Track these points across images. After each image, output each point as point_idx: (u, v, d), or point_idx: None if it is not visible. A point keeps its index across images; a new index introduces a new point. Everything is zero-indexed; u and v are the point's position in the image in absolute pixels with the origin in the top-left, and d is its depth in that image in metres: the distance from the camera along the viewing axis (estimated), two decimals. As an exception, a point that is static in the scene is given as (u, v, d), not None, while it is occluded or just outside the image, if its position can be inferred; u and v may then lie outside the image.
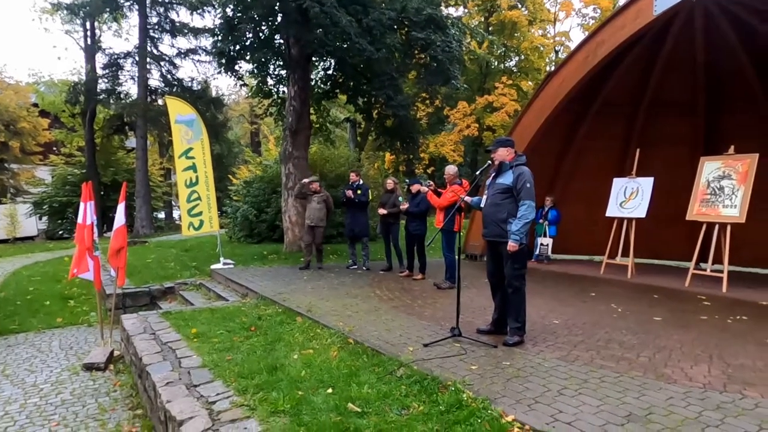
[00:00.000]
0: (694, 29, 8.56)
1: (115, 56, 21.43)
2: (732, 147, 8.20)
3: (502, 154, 4.47)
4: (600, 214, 11.48)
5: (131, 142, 26.17)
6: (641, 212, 8.98)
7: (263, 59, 10.53)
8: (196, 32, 22.08)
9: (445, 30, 9.43)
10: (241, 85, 11.94)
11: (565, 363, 3.87)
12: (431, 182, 7.45)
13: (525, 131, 10.13)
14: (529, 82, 26.44)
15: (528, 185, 4.26)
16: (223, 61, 9.75)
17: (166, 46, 24.82)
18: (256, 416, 3.06)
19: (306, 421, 2.94)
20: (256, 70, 12.23)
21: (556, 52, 26.79)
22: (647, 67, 9.62)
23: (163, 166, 33.48)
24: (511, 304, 4.41)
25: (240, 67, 10.78)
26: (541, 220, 10.70)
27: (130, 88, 22.96)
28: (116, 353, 5.77)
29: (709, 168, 8.47)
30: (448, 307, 5.88)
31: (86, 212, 5.69)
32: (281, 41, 10.92)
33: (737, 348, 4.41)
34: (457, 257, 4.67)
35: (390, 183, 8.83)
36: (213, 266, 9.15)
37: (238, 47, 9.60)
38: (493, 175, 4.57)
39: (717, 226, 8.04)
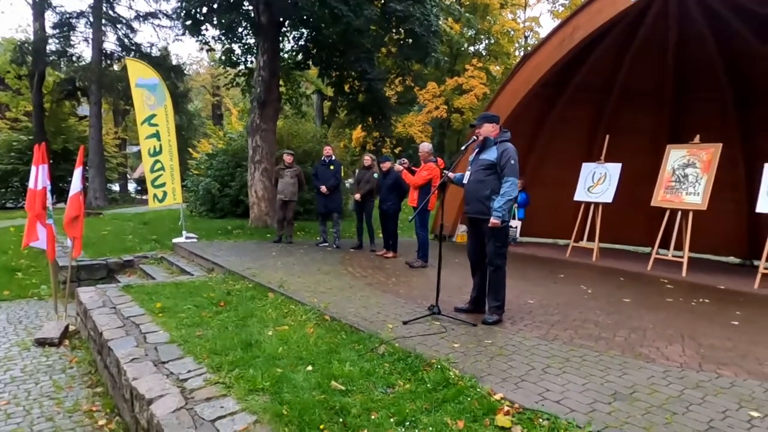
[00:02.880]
0: (668, 18, 8.67)
1: (67, 15, 20.00)
2: (697, 136, 8.42)
3: (487, 129, 4.36)
4: (565, 198, 11.67)
5: (83, 109, 24.79)
6: (608, 197, 9.15)
7: (231, 23, 10.01)
8: (157, -5, 20.91)
9: (423, 3, 9.21)
10: (207, 50, 11.37)
11: (546, 342, 3.86)
12: (405, 160, 7.31)
13: (498, 114, 10.09)
14: (497, 67, 26.56)
15: (512, 162, 4.18)
16: (189, 22, 9.20)
17: (124, 7, 23.40)
18: (233, 394, 2.89)
19: (287, 399, 2.79)
20: (222, 36, 11.67)
21: (526, 37, 26.94)
22: (619, 55, 9.71)
23: (118, 135, 31.95)
24: (491, 283, 4.35)
25: (206, 30, 10.23)
26: (509, 203, 10.76)
27: (83, 51, 21.76)
28: (71, 328, 5.42)
29: (675, 156, 8.68)
30: (423, 286, 5.82)
31: (38, 176, 5.24)
32: (251, 7, 10.43)
33: (705, 329, 4.53)
34: (438, 237, 4.56)
35: (368, 159, 8.64)
36: (175, 240, 8.76)
37: (205, 9, 9.07)
38: (477, 150, 4.47)
39: (679, 213, 8.28)
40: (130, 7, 21.70)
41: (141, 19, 21.19)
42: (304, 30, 10.60)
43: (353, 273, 6.40)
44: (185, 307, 4.69)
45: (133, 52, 20.39)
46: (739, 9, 7.93)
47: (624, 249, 11.16)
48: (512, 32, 24.93)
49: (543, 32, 28.08)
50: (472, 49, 26.27)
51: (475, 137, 4.40)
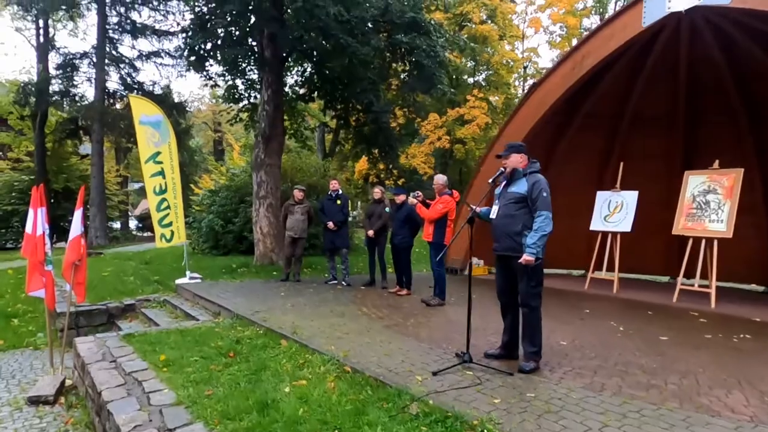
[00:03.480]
0: (679, 42, 8.55)
1: (71, 56, 20.19)
2: (717, 161, 8.17)
3: (515, 160, 4.09)
4: (578, 227, 11.36)
5: (85, 148, 24.76)
6: (626, 226, 8.84)
7: (236, 58, 9.92)
8: (160, 34, 21.11)
9: (429, 35, 9.12)
10: (211, 86, 11.25)
11: (594, 393, 3.48)
12: (419, 193, 7.02)
13: (508, 143, 9.90)
14: (496, 97, 26.66)
15: (545, 194, 3.89)
16: (193, 58, 9.09)
17: (126, 47, 23.55)
18: (251, 471, 2.51)
19: (315, 477, 2.41)
20: (226, 72, 11.59)
21: (525, 68, 27.15)
22: (630, 80, 9.56)
23: (119, 173, 31.91)
24: (525, 326, 4.00)
25: (210, 66, 10.13)
26: (523, 233, 10.45)
27: (85, 90, 21.76)
28: (68, 382, 5.03)
29: (694, 182, 8.41)
30: (444, 327, 5.45)
31: (36, 220, 4.95)
32: (254, 42, 10.36)
33: (760, 370, 4.15)
34: (468, 275, 4.22)
35: (378, 192, 8.38)
36: (178, 281, 8.41)
37: (209, 45, 8.97)
38: (504, 183, 4.18)
39: (703, 241, 7.95)
40: (133, 47, 21.84)
41: (144, 58, 21.37)
42: (308, 63, 10.50)
43: (368, 314, 6.03)
44: (192, 359, 4.32)
45: (135, 91, 20.46)
46: (746, 28, 7.80)
47: (640, 279, 10.78)
48: (512, 63, 25.11)
49: (542, 62, 28.41)
50: (471, 80, 26.45)
51: (502, 169, 4.12)
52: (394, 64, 9.58)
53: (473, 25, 23.41)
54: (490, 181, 4.16)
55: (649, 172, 9.93)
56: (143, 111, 7.94)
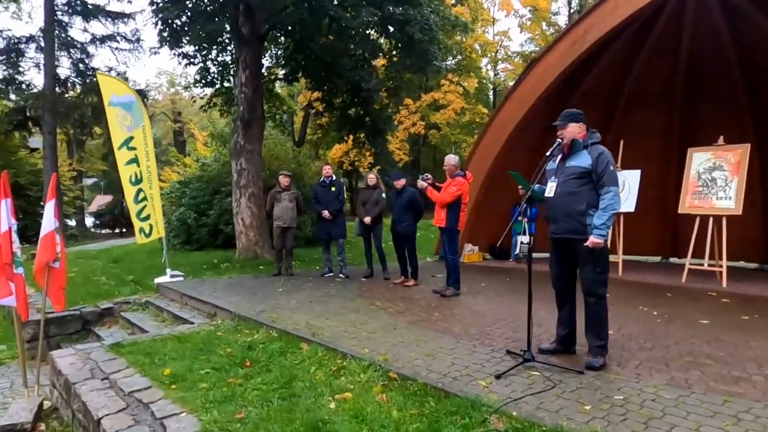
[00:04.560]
0: (684, 14, 8.28)
1: (15, 40, 18.45)
2: (721, 137, 7.99)
3: (573, 130, 3.60)
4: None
5: (35, 141, 23.03)
6: (630, 206, 8.58)
7: (210, 35, 9.04)
8: (114, 16, 19.59)
9: (421, 7, 8.53)
10: (186, 65, 10.29)
11: (684, 390, 3.06)
12: (429, 176, 6.49)
13: (503, 125, 9.48)
14: (466, 82, 26.36)
15: (611, 167, 3.44)
16: (166, 33, 8.18)
17: (78, 30, 21.89)
18: None
19: None
20: (197, 53, 10.65)
21: (495, 53, 26.91)
22: (630, 56, 9.27)
23: (72, 167, 30.03)
24: (591, 318, 3.55)
25: (183, 44, 9.21)
26: (520, 218, 10.10)
27: (33, 77, 20.12)
28: (47, 404, 4.28)
29: (699, 159, 8.21)
30: (474, 320, 4.97)
31: (1, 214, 4.14)
32: (229, 17, 9.49)
33: (829, 354, 3.85)
34: (528, 260, 3.71)
35: (372, 178, 7.82)
36: (158, 279, 7.62)
37: (184, 18, 8.10)
38: (559, 157, 3.69)
39: (711, 219, 7.77)
40: (85, 30, 20.18)
41: (98, 42, 19.79)
42: (289, 40, 9.73)
43: (384, 308, 5.48)
44: (202, 372, 3.67)
45: (89, 77, 18.97)
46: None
47: (636, 260, 10.62)
48: (484, 46, 24.78)
49: (513, 46, 28.30)
50: (444, 64, 26.03)
51: (559, 140, 3.62)
52: (382, 40, 8.94)
53: (446, 7, 22.91)
54: (549, 153, 3.66)
55: (647, 149, 9.69)
56: (113, 91, 7.04)
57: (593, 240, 3.36)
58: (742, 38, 8.37)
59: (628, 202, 8.63)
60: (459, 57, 24.43)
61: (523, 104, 9.10)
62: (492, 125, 9.79)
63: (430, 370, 3.43)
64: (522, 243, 10.29)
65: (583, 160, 3.51)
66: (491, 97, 28.31)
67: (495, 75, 27.81)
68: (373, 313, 5.25)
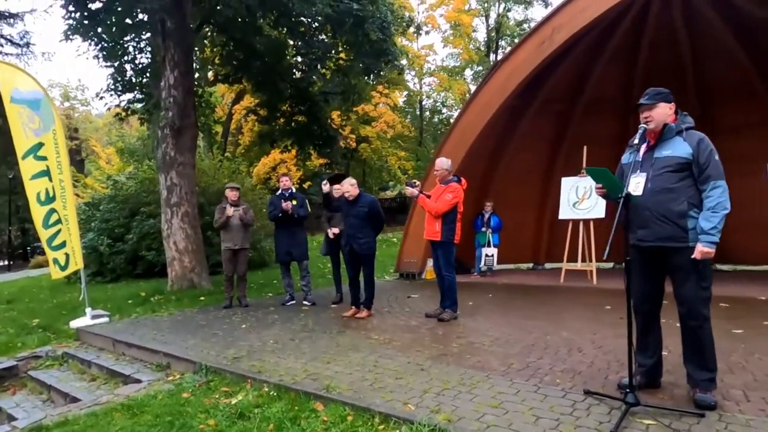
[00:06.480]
0: (647, 17, 8.25)
1: None
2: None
3: (663, 112, 2.95)
4: (525, 219, 10.88)
5: None
6: (599, 212, 8.35)
7: (126, 29, 7.64)
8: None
9: (377, 3, 7.78)
10: (103, 56, 8.63)
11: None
12: (417, 182, 5.66)
13: (466, 131, 8.93)
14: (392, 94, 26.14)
15: (716, 157, 2.81)
16: (79, 15, 6.66)
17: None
18: None
19: None
20: (106, 52, 9.03)
21: (422, 67, 26.93)
22: (591, 60, 9.15)
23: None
24: (697, 345, 2.86)
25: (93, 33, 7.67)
26: (483, 228, 9.59)
27: None
28: None
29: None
30: (495, 347, 4.23)
31: None
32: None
33: None
34: (626, 279, 2.88)
35: (327, 186, 6.82)
36: (75, 323, 6.07)
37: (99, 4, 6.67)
38: (645, 145, 3.02)
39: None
40: (-43, 31, 17.30)
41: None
42: (225, 36, 8.53)
43: (387, 342, 4.52)
44: (188, 465, 2.52)
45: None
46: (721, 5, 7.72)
47: (600, 267, 10.50)
48: (411, 59, 24.64)
49: (437, 59, 28.60)
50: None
51: (644, 126, 2.95)
52: (343, 37, 8.03)
53: (399, 8, 22.63)
54: (636, 141, 2.98)
55: (602, 155, 9.60)
56: (15, 84, 5.45)
57: (702, 249, 2.70)
58: (699, 46, 8.52)
59: (597, 209, 8.41)
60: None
61: (487, 110, 8.63)
62: (452, 134, 9.22)
63: (513, 431, 2.56)
64: (487, 256, 9.80)
65: (679, 148, 2.85)
66: (418, 111, 28.24)
67: (421, 88, 27.82)
68: (378, 349, 4.28)
